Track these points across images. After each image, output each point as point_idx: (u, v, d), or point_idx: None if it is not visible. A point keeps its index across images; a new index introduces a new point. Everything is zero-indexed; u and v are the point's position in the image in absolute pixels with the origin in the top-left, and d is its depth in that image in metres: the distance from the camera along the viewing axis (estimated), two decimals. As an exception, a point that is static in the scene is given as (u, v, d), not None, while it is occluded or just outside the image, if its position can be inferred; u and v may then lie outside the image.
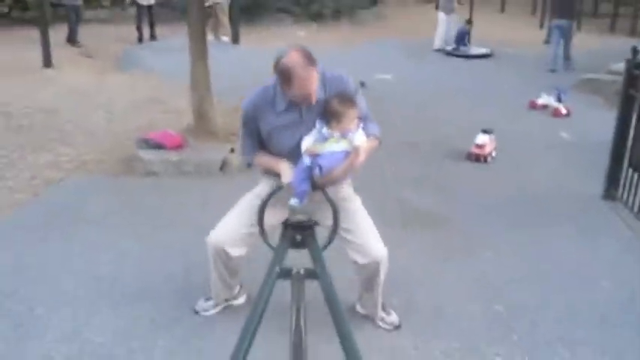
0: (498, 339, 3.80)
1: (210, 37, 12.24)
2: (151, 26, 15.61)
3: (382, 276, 3.54)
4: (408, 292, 4.24)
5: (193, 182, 6.57)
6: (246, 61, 12.68)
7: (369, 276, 3.53)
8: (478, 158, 7.36)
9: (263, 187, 3.36)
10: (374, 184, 6.09)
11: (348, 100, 3.06)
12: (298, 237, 3.18)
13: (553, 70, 13.02)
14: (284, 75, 2.91)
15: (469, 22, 15.49)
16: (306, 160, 3.01)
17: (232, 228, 3.35)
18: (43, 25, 12.00)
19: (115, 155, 7.33)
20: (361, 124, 3.11)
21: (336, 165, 3.03)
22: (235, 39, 15.61)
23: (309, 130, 3.07)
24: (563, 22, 13.23)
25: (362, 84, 10.25)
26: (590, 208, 6.08)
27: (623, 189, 5.96)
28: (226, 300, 3.87)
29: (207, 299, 3.88)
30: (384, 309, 3.83)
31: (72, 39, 14.36)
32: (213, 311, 3.87)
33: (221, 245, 3.34)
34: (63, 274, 4.53)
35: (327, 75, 3.14)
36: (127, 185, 6.53)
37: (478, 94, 11.10)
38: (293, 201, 3.06)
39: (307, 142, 3.04)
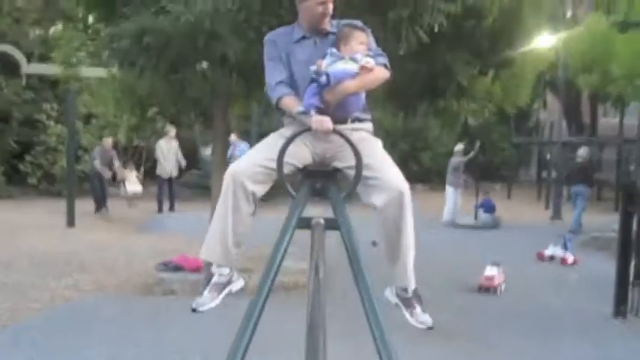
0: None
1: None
2: (171, 198, 16.26)
3: (408, 223, 3.21)
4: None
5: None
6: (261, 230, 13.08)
7: (394, 221, 3.19)
8: (488, 289, 7.48)
9: (287, 130, 3.34)
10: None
11: (356, 25, 3.28)
12: (318, 184, 3.10)
13: (574, 232, 13.31)
14: None
15: (487, 192, 16.20)
16: (313, 68, 3.07)
17: (252, 161, 3.25)
18: (69, 191, 12.69)
19: (134, 282, 7.53)
20: (370, 52, 3.22)
21: (346, 77, 3.07)
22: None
23: (324, 57, 3.20)
24: (579, 187, 14.14)
25: (374, 243, 10.51)
26: (602, 324, 6.15)
27: (632, 303, 6.08)
28: (223, 283, 3.41)
29: (203, 290, 3.44)
30: (417, 299, 3.37)
31: (99, 207, 14.98)
32: (212, 304, 3.38)
33: (239, 174, 3.20)
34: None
35: (345, 20, 3.41)
36: (144, 303, 6.68)
37: (487, 252, 11.34)
38: (297, 109, 3.08)
39: (319, 61, 3.12)
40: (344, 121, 3.22)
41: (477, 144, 16.78)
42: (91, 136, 16.40)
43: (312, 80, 3.11)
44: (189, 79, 8.11)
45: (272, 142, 3.29)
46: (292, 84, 3.34)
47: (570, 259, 9.72)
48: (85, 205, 14.57)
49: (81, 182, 16.53)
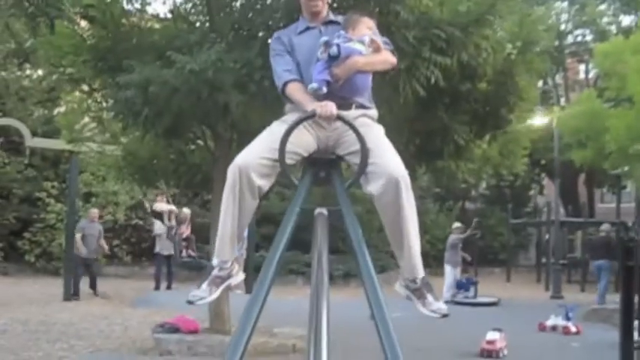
0: None
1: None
2: (169, 276, 16.12)
3: (408, 209, 3.13)
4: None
5: (207, 360, 6.59)
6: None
7: (392, 208, 3.13)
8: (490, 354, 7.37)
9: (289, 117, 3.31)
10: None
11: (363, 12, 3.40)
12: (322, 173, 3.07)
13: (601, 304, 13.17)
14: None
15: (475, 274, 16.09)
16: (324, 39, 3.12)
17: (257, 152, 3.18)
18: (66, 266, 12.66)
19: (130, 345, 7.41)
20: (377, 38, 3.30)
21: (355, 53, 3.13)
22: (249, 290, 15.98)
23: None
24: (602, 262, 14.11)
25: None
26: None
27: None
28: (222, 277, 3.32)
29: (202, 283, 3.33)
30: (427, 287, 3.29)
31: (93, 286, 14.16)
32: (209, 298, 3.30)
33: (245, 169, 3.14)
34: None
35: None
36: (140, 362, 6.57)
37: (488, 324, 11.19)
38: (311, 86, 3.09)
39: (326, 39, 3.18)
40: (348, 106, 3.22)
41: (475, 221, 16.85)
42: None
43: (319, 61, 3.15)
44: (189, 146, 8.30)
45: (276, 130, 3.23)
46: (298, 73, 3.36)
47: (573, 328, 9.59)
48: (82, 285, 14.44)
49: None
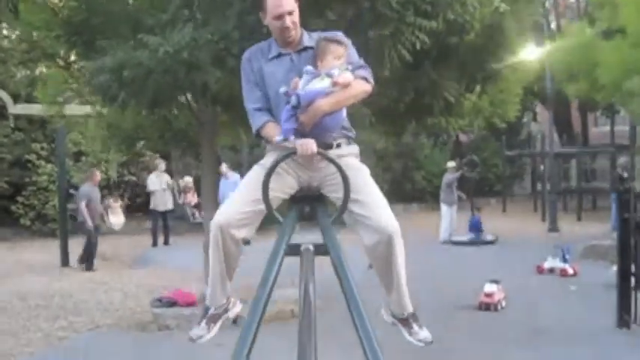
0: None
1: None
2: (165, 232, 16.12)
3: (399, 257, 3.15)
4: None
5: (206, 334, 6.56)
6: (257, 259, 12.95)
7: (384, 258, 3.15)
8: (488, 307, 7.38)
9: (268, 159, 3.22)
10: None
11: (332, 38, 3.11)
12: (307, 208, 3.04)
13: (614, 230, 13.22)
14: (259, 1, 3.09)
15: (478, 209, 16.06)
16: (282, 90, 2.97)
17: (237, 207, 3.15)
18: (62, 230, 12.57)
19: (129, 320, 7.40)
20: (349, 66, 3.07)
21: (316, 94, 2.93)
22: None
23: (301, 75, 3.07)
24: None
25: (370, 267, 10.40)
26: (606, 335, 6.05)
27: (636, 312, 5.98)
28: (218, 314, 3.43)
29: (200, 320, 3.43)
30: (414, 317, 3.35)
31: (83, 259, 12.69)
32: (208, 335, 3.39)
33: (226, 226, 3.11)
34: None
35: (325, 33, 3.30)
36: (139, 340, 6.56)
37: (486, 268, 11.25)
38: (277, 138, 2.98)
39: (295, 80, 3.02)
40: (328, 146, 3.11)
41: (468, 157, 16.75)
42: (82, 174, 16.27)
43: (288, 102, 2.98)
44: (173, 112, 8.08)
45: (255, 178, 3.17)
46: (269, 104, 3.23)
47: (570, 270, 9.62)
48: (79, 244, 14.38)
49: (74, 220, 16.39)
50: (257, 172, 3.19)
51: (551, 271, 9.86)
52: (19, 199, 16.76)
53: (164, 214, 16.06)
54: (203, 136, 7.95)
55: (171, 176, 17.07)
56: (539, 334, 6.34)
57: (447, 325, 6.72)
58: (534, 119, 30.03)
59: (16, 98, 16.48)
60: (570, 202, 22.19)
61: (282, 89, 2.99)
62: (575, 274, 9.55)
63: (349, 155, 3.22)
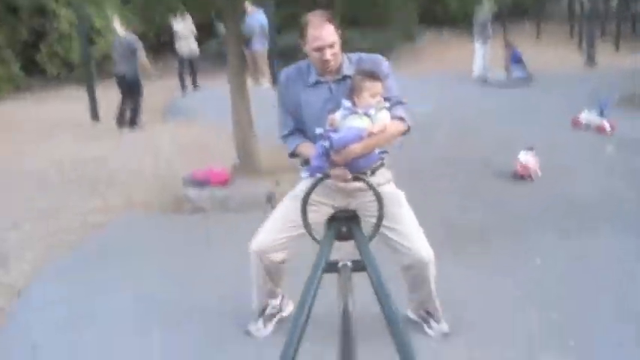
0: (555, 346, 3.73)
1: (250, 83, 12.27)
2: (193, 74, 15.93)
3: (431, 278, 3.46)
4: (459, 305, 4.18)
5: (240, 216, 6.64)
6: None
7: (415, 278, 3.46)
8: (523, 177, 7.29)
9: (301, 187, 3.31)
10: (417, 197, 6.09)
11: (369, 73, 3.00)
12: (344, 228, 3.09)
13: None
14: (301, 29, 3.03)
15: (510, 44, 15.54)
16: (318, 131, 2.93)
17: (273, 234, 3.33)
18: (88, 78, 12.44)
19: (163, 196, 7.46)
20: (387, 104, 3.03)
21: (351, 140, 2.88)
22: (275, 83, 15.83)
23: (339, 106, 3.01)
24: None
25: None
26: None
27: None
28: (273, 313, 3.84)
29: (258, 318, 3.84)
30: (434, 317, 3.74)
31: (127, 118, 12.22)
32: (265, 331, 3.81)
33: (263, 252, 3.33)
34: (117, 296, 4.70)
35: (363, 56, 3.20)
36: (175, 222, 6.67)
37: (520, 116, 11.05)
38: (304, 174, 3.06)
39: (332, 116, 2.98)
40: (363, 174, 3.08)
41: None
42: (102, 19, 15.83)
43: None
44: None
45: (289, 206, 3.28)
46: (304, 127, 3.22)
47: (607, 126, 9.33)
48: (106, 92, 14.24)
49: (99, 66, 16.25)
50: (290, 201, 3.28)
51: (588, 126, 9.60)
52: (43, 48, 16.52)
53: (190, 61, 15.79)
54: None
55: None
56: (572, 206, 6.28)
57: (480, 198, 6.72)
58: None
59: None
60: (608, 26, 21.26)
61: (318, 130, 2.91)
62: (612, 130, 9.28)
63: (385, 183, 3.29)
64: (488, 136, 9.53)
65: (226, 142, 9.30)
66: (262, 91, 14.59)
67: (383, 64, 3.18)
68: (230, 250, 5.60)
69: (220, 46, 17.87)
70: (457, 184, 7.29)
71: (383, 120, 2.94)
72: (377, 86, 2.97)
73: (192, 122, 12.34)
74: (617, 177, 7.14)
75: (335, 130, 2.91)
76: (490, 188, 7.11)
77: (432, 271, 3.42)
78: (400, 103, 3.17)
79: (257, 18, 15.30)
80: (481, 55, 15.51)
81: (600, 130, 9.34)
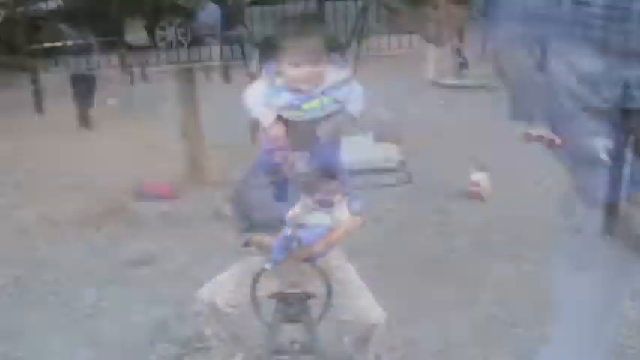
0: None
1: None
2: (142, 67, 15.43)
3: (376, 338, 3.34)
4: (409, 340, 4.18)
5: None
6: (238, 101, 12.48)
7: (359, 337, 3.36)
8: (475, 196, 7.28)
9: (258, 261, 3.23)
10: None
11: (328, 175, 3.01)
12: (291, 311, 3.17)
13: None
14: None
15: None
16: (287, 231, 2.98)
17: (226, 287, 3.29)
18: (33, 73, 12.01)
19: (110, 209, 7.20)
20: (347, 197, 3.08)
21: (316, 240, 3.00)
22: (226, 79, 15.32)
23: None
24: None
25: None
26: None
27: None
28: None
29: None
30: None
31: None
32: None
33: (213, 301, 3.26)
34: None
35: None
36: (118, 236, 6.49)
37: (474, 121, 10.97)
38: (267, 264, 3.07)
39: (293, 211, 3.00)
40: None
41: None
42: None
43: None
44: None
45: (243, 269, 3.28)
46: None
47: (558, 140, 9.22)
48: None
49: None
50: (247, 266, 3.26)
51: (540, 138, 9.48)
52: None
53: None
54: None
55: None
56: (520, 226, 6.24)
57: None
58: None
59: None
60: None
61: (287, 233, 2.97)
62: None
63: (332, 256, 3.25)
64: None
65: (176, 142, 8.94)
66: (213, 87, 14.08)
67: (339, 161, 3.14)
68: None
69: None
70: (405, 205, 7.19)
71: (344, 219, 3.05)
72: (334, 184, 3.02)
73: (141, 122, 11.99)
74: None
75: (301, 227, 2.99)
76: (438, 207, 7.08)
77: (380, 335, 3.33)
78: (355, 198, 3.17)
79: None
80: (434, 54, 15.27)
81: (550, 144, 9.29)
